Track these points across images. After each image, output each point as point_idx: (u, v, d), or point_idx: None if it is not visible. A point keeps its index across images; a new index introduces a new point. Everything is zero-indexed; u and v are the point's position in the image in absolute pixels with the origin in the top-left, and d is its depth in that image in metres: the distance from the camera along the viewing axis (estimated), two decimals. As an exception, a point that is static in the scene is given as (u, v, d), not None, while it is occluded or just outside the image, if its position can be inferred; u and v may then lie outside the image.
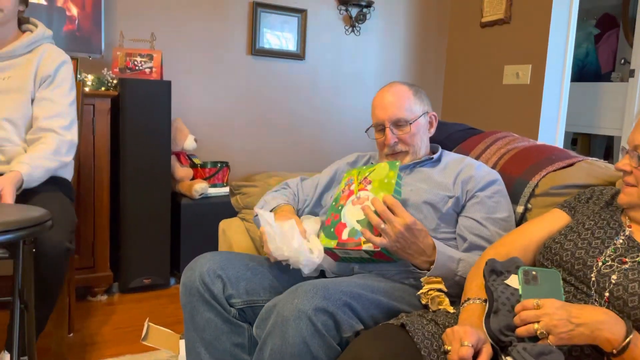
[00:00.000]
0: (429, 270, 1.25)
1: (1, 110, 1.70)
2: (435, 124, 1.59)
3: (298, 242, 1.27)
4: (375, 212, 1.23)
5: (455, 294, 1.24)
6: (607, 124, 3.74)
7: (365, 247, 1.24)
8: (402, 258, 1.26)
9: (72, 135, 1.75)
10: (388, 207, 1.22)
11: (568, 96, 3.07)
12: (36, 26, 1.79)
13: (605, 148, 4.39)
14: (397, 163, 1.35)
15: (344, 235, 1.28)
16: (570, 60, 3.03)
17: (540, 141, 3.01)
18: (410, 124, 1.49)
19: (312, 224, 1.42)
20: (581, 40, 4.23)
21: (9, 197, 1.47)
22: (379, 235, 1.22)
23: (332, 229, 1.32)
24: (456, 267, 1.27)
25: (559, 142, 3.11)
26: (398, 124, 1.49)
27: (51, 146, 1.67)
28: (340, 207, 1.35)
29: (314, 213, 1.64)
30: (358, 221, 1.28)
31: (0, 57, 1.72)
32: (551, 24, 2.94)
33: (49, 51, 1.77)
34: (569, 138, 4.29)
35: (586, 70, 4.34)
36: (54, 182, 1.75)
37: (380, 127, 1.52)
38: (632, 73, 3.19)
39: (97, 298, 2.48)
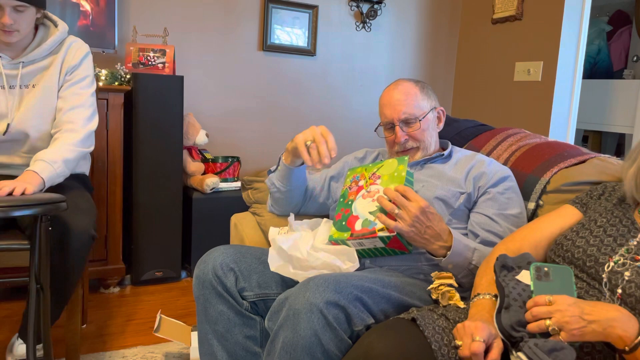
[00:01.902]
0: (444, 257, 1.26)
1: (30, 125, 1.69)
2: (443, 119, 1.60)
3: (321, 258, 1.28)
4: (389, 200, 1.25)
5: (469, 283, 1.25)
6: (619, 121, 3.72)
7: (380, 233, 1.25)
8: (419, 245, 1.27)
9: (93, 126, 1.75)
10: (401, 194, 1.25)
11: (579, 93, 3.05)
12: (54, 23, 1.76)
13: (617, 145, 4.36)
14: (406, 158, 1.37)
15: (357, 226, 1.29)
16: (582, 57, 3.01)
17: (551, 138, 3.02)
18: (420, 120, 1.49)
19: (308, 236, 1.40)
20: (593, 37, 4.20)
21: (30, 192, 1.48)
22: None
23: (343, 222, 1.33)
24: (471, 255, 1.28)
25: (570, 139, 3.09)
26: (407, 121, 1.49)
27: (73, 139, 1.66)
28: (350, 202, 1.37)
29: (324, 204, 1.66)
30: (371, 212, 1.30)
31: (24, 63, 1.69)
32: (563, 20, 2.93)
33: (73, 45, 1.75)
34: (580, 135, 4.27)
35: (598, 68, 4.31)
36: (73, 177, 1.77)
37: (389, 126, 1.53)
38: (645, 70, 3.17)
39: (110, 290, 2.52)
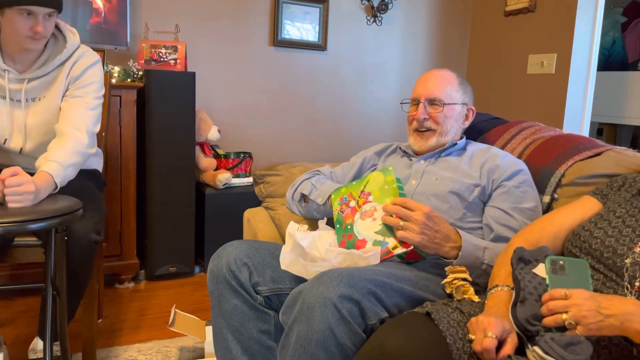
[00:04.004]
0: (456, 257, 1.25)
1: (35, 136, 1.68)
2: (471, 118, 1.60)
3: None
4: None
5: (484, 283, 1.24)
6: (634, 113, 3.67)
7: (396, 251, 1.25)
8: (431, 251, 1.26)
9: (97, 128, 1.72)
10: (401, 206, 1.25)
11: (594, 86, 3.02)
12: (61, 33, 1.72)
13: (632, 138, 4.30)
14: (390, 168, 1.35)
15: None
16: (596, 49, 2.97)
17: (565, 131, 2.99)
18: (445, 104, 1.50)
19: (328, 235, 1.38)
20: (608, 29, 4.14)
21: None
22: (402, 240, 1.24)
23: (351, 249, 1.30)
24: (482, 255, 1.27)
25: (584, 132, 3.06)
26: (433, 102, 1.51)
27: (83, 142, 1.62)
28: (349, 226, 1.33)
29: None
30: (376, 232, 1.28)
31: (29, 79, 1.65)
32: (577, 12, 2.89)
33: (80, 58, 1.71)
34: (594, 128, 4.21)
35: (612, 59, 4.25)
36: (85, 173, 1.77)
37: (415, 102, 1.55)
38: (661, 62, 3.12)
39: (124, 285, 2.54)
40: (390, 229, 1.27)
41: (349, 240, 1.32)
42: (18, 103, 1.67)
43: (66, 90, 1.70)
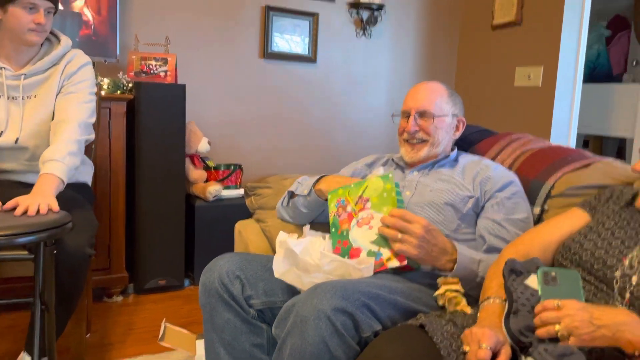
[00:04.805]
0: (452, 270, 1.26)
1: (32, 134, 1.72)
2: (461, 129, 1.62)
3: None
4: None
5: (477, 295, 1.24)
6: (619, 125, 3.72)
7: (390, 264, 1.25)
8: (427, 264, 1.27)
9: (90, 118, 1.77)
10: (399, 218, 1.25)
11: (580, 98, 3.06)
12: (56, 36, 1.81)
13: (617, 150, 4.37)
14: (390, 175, 1.35)
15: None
16: (582, 62, 3.01)
17: (554, 143, 3.02)
18: (435, 117, 1.52)
19: (319, 241, 1.39)
20: (592, 42, 4.21)
21: (56, 207, 1.48)
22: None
23: (345, 256, 1.30)
24: (477, 268, 1.28)
25: (571, 143, 3.09)
26: (423, 114, 1.53)
27: (71, 129, 1.67)
28: (345, 233, 1.33)
29: None
30: (372, 242, 1.28)
31: (25, 75, 1.73)
32: (563, 25, 2.93)
33: (74, 57, 1.80)
34: (580, 140, 4.27)
35: (598, 72, 4.32)
36: (75, 187, 1.77)
37: (406, 114, 1.57)
38: (644, 74, 3.18)
39: (113, 299, 2.51)
40: (385, 240, 1.26)
41: (343, 248, 1.32)
42: (15, 100, 1.73)
43: (61, 88, 1.76)
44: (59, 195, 1.56)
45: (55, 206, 1.46)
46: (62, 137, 1.65)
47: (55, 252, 1.47)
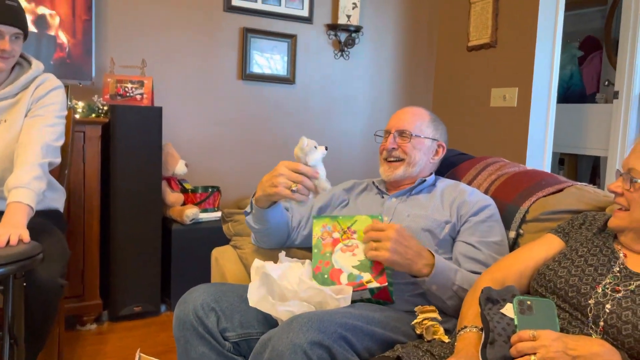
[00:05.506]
0: (428, 274, 1.26)
1: (1, 159, 1.69)
2: (441, 155, 1.64)
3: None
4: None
5: (455, 306, 1.26)
6: (593, 144, 3.79)
7: (370, 285, 1.26)
8: (404, 269, 1.27)
9: (55, 141, 1.73)
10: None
11: (554, 117, 3.12)
12: (27, 60, 1.79)
13: (592, 168, 4.44)
14: (380, 216, 1.37)
15: (343, 280, 1.28)
16: (555, 82, 3.08)
17: (528, 162, 3.07)
18: (413, 135, 1.56)
19: (298, 267, 1.38)
20: (565, 63, 4.31)
21: (27, 238, 1.45)
22: (380, 273, 1.26)
23: (326, 275, 1.30)
24: (454, 276, 1.30)
25: (546, 162, 3.14)
26: (402, 133, 1.58)
27: (32, 152, 1.64)
28: (327, 254, 1.34)
29: (310, 235, 1.63)
30: (354, 266, 1.29)
31: None
32: (536, 47, 2.99)
33: (45, 81, 1.77)
34: (556, 158, 4.34)
35: (571, 92, 4.41)
36: (45, 214, 1.73)
37: (387, 134, 1.62)
38: (616, 95, 3.25)
39: (87, 327, 2.44)
40: (368, 267, 1.28)
41: (324, 267, 1.32)
42: None
43: (28, 111, 1.74)
44: (28, 223, 1.53)
45: (26, 237, 1.43)
46: (25, 160, 1.61)
47: (25, 284, 1.43)
